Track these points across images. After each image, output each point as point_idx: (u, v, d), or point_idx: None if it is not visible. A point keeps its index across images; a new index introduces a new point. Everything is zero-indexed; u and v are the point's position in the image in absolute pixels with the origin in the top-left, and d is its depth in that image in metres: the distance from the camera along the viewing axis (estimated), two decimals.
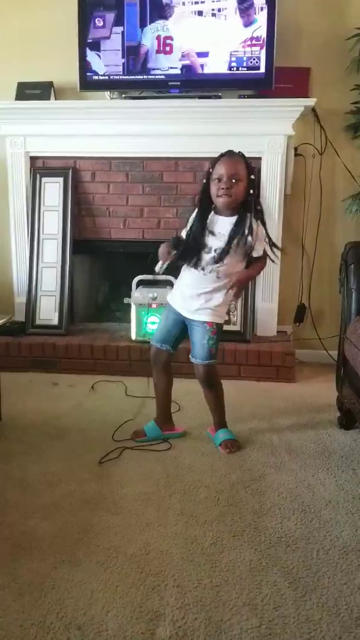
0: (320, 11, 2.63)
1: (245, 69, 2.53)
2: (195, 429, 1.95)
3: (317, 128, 2.70)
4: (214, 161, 1.68)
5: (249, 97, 2.59)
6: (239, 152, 1.71)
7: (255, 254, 1.70)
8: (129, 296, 2.66)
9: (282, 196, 2.65)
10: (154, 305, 2.62)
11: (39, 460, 1.70)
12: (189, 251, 1.71)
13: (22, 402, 2.21)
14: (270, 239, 1.71)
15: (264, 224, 1.69)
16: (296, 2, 2.62)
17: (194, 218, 1.74)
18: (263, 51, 2.48)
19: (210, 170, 1.67)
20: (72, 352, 2.62)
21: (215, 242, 1.69)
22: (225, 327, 2.65)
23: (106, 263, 3.19)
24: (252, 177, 1.66)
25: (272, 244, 1.72)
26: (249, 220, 1.66)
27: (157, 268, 1.74)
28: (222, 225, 1.69)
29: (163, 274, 1.81)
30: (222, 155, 1.68)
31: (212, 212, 1.72)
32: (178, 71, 2.57)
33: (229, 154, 1.68)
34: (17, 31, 2.82)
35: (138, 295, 2.64)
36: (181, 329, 1.81)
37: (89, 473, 1.62)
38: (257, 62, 2.51)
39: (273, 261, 1.76)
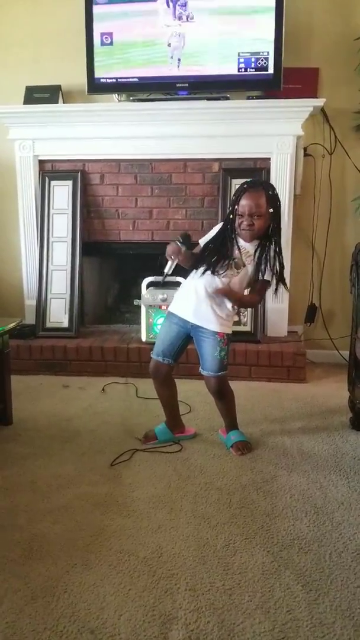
0: (328, 11, 2.63)
1: (254, 69, 2.52)
2: (207, 431, 1.95)
3: (327, 128, 2.69)
4: (238, 192, 1.66)
5: (257, 98, 2.58)
6: (264, 182, 1.72)
7: (261, 276, 1.68)
8: (139, 298, 2.67)
9: (292, 196, 2.64)
10: (163, 307, 2.62)
11: (49, 463, 1.71)
12: (213, 256, 1.69)
13: (33, 405, 2.23)
14: (282, 271, 1.70)
15: (279, 255, 1.69)
16: (304, 3, 2.61)
17: (221, 232, 1.72)
18: (271, 52, 2.47)
19: (236, 205, 1.65)
20: (82, 354, 2.63)
21: (239, 254, 1.68)
22: (236, 328, 2.65)
23: (116, 265, 3.20)
24: (271, 210, 1.63)
25: (282, 278, 1.71)
26: (267, 249, 1.67)
27: (167, 269, 1.73)
28: (245, 245, 1.70)
29: (171, 274, 1.79)
30: (245, 187, 1.65)
31: (234, 236, 1.71)
32: (186, 73, 2.57)
33: (253, 186, 1.65)
34: (25, 35, 2.85)
35: (148, 296, 2.65)
36: (184, 340, 1.78)
37: (100, 476, 1.63)
38: (265, 63, 2.50)
39: (275, 292, 1.74)
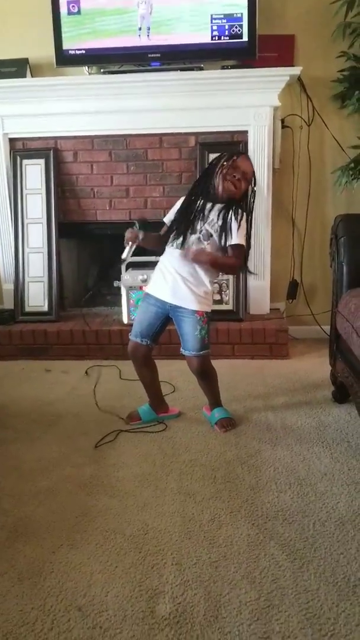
0: None
1: (228, 37, 2.45)
2: (191, 409, 1.95)
3: (304, 98, 2.64)
4: (228, 157, 1.67)
5: (233, 67, 2.51)
6: None
7: (230, 242, 1.65)
8: (119, 279, 2.63)
9: (271, 170, 2.60)
10: (144, 288, 2.58)
11: (33, 447, 1.69)
12: (176, 231, 1.68)
13: (15, 390, 2.20)
14: (248, 241, 1.70)
15: (249, 223, 1.69)
16: None
17: (182, 203, 1.73)
18: (245, 16, 2.40)
19: (224, 163, 1.65)
20: (64, 338, 2.60)
21: (203, 225, 1.67)
22: (218, 307, 2.67)
23: (94, 246, 3.14)
24: (251, 186, 1.71)
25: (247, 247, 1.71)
26: (236, 208, 1.66)
27: (125, 254, 1.73)
28: (212, 211, 1.67)
29: (132, 256, 1.79)
30: (241, 152, 1.73)
31: (202, 200, 1.69)
32: (158, 42, 2.48)
33: (247, 155, 1.76)
34: None
35: (128, 277, 2.61)
36: (162, 321, 1.76)
37: (84, 457, 1.62)
38: (239, 30, 2.43)
39: (245, 266, 1.73)
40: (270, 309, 2.76)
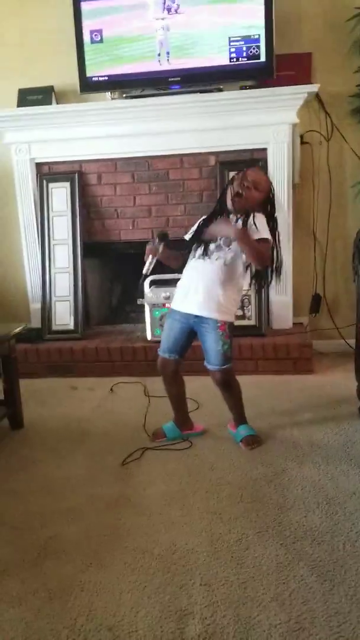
0: None
1: (246, 58, 2.50)
2: (215, 426, 1.95)
3: (322, 114, 2.66)
4: (247, 168, 1.71)
5: (251, 87, 2.56)
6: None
7: (256, 236, 1.63)
8: (142, 297, 2.67)
9: (291, 186, 2.62)
10: (167, 305, 2.62)
11: (62, 465, 1.72)
12: (197, 242, 1.72)
13: (42, 408, 2.25)
14: (277, 239, 1.70)
15: (273, 224, 1.70)
16: None
17: (208, 216, 1.77)
18: (262, 38, 2.45)
19: (236, 176, 1.69)
20: (89, 355, 2.64)
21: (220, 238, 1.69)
22: (241, 322, 2.67)
23: (118, 265, 3.20)
24: (269, 203, 1.69)
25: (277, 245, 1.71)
26: (253, 216, 1.66)
27: (145, 269, 1.74)
28: (232, 220, 1.70)
29: (151, 274, 1.79)
30: (252, 166, 1.74)
31: (221, 214, 1.73)
32: (177, 67, 2.55)
33: (259, 168, 1.78)
34: (15, 38, 2.84)
35: (151, 295, 2.65)
36: (188, 336, 1.79)
37: (111, 475, 1.64)
38: (257, 51, 2.48)
39: (271, 264, 1.71)
40: (293, 324, 2.75)
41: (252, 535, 1.31)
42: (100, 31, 2.59)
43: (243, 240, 1.60)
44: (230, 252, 1.68)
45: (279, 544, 1.27)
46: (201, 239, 1.72)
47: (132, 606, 1.10)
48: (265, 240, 1.65)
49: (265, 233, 1.65)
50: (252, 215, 1.66)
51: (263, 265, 1.68)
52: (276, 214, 1.72)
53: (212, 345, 1.72)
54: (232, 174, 2.57)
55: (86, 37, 2.60)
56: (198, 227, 1.77)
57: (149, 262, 1.74)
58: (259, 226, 1.64)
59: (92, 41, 2.61)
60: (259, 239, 1.63)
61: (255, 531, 1.32)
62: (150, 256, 1.73)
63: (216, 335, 1.71)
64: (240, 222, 1.67)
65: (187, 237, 1.81)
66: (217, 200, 1.80)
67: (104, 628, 1.05)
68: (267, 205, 1.70)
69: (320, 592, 1.11)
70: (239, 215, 1.68)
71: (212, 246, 1.69)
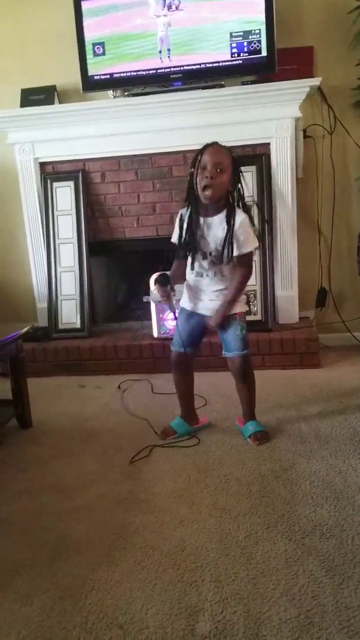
0: None
1: (247, 54, 2.48)
2: (223, 422, 1.96)
3: (325, 107, 2.64)
4: (199, 151, 1.64)
5: (253, 82, 2.54)
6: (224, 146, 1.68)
7: (236, 252, 1.64)
8: (148, 294, 2.67)
9: (294, 180, 2.61)
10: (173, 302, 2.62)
11: (71, 464, 1.74)
12: (191, 252, 1.71)
13: (51, 406, 2.26)
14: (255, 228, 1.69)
15: (250, 219, 1.68)
16: None
17: (186, 223, 1.70)
18: (263, 32, 2.43)
19: (197, 163, 1.63)
20: (96, 353, 2.66)
21: (209, 246, 1.69)
22: (247, 317, 2.65)
23: (123, 262, 3.20)
24: (234, 172, 1.62)
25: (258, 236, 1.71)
26: (235, 214, 1.64)
27: (156, 301, 1.77)
28: (214, 228, 1.68)
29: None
30: (207, 145, 1.64)
31: (202, 218, 1.69)
32: (179, 63, 2.54)
33: (215, 144, 1.64)
34: (16, 38, 2.84)
35: (156, 292, 2.64)
36: (201, 329, 1.81)
37: (120, 473, 1.65)
38: (258, 46, 2.46)
39: (256, 248, 1.71)
40: (299, 318, 2.74)
41: (261, 531, 1.31)
42: (102, 44, 2.58)
43: (237, 298, 1.71)
44: (224, 266, 1.69)
45: (288, 539, 1.27)
46: (189, 252, 1.70)
47: (142, 604, 1.11)
48: (243, 255, 1.66)
49: (245, 247, 1.65)
50: (231, 220, 1.62)
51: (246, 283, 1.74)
52: (241, 176, 1.66)
53: (231, 331, 1.74)
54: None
55: (88, 36, 2.59)
56: (184, 238, 1.71)
57: (168, 304, 1.79)
58: (240, 237, 1.64)
59: (95, 54, 2.60)
60: (237, 256, 1.65)
61: (264, 527, 1.33)
62: (166, 299, 1.77)
63: (234, 322, 1.73)
64: (217, 227, 1.65)
65: (174, 239, 1.78)
66: (187, 192, 1.70)
67: (115, 626, 1.06)
68: (235, 177, 1.64)
69: (329, 586, 1.11)
70: (215, 220, 1.66)
71: (204, 264, 1.70)
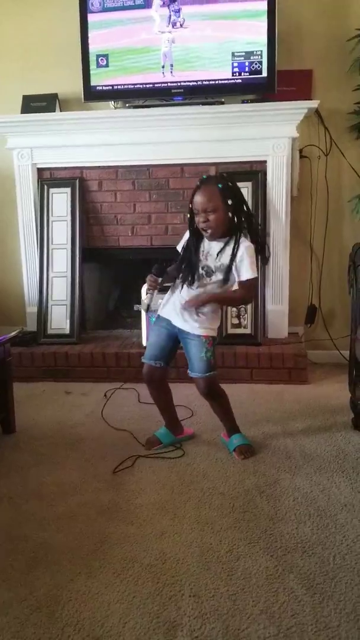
0: (320, 13, 2.64)
1: (248, 73, 2.53)
2: (208, 433, 1.95)
3: (322, 129, 2.69)
4: (193, 192, 1.66)
5: (252, 101, 2.59)
6: (217, 175, 1.68)
7: (239, 278, 1.66)
8: (139, 303, 2.68)
9: (289, 198, 2.65)
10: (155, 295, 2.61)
11: (53, 471, 1.72)
12: (184, 270, 1.72)
13: (36, 412, 2.24)
14: (262, 246, 1.70)
15: (256, 242, 1.68)
16: (296, 5, 2.62)
17: (188, 239, 1.74)
18: (265, 54, 2.48)
19: (190, 205, 1.66)
20: (84, 360, 2.64)
21: (206, 261, 1.70)
22: (236, 331, 2.69)
23: (116, 270, 3.21)
24: (229, 202, 1.62)
25: (262, 248, 1.70)
26: (234, 244, 1.65)
27: (147, 301, 1.76)
28: (211, 247, 1.70)
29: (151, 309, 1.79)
30: (198, 184, 1.65)
31: (199, 239, 1.71)
32: (181, 79, 2.58)
33: (204, 183, 1.64)
34: (20, 45, 2.87)
35: (147, 301, 2.64)
36: (174, 343, 1.79)
37: (103, 482, 1.63)
38: (259, 66, 2.51)
39: (266, 258, 1.74)
40: (288, 333, 2.76)
41: (242, 546, 1.31)
42: (106, 56, 2.62)
43: (218, 302, 1.70)
44: (209, 284, 1.70)
45: (270, 556, 1.27)
46: (185, 272, 1.71)
47: (120, 617, 1.09)
48: (248, 281, 1.66)
49: (245, 274, 1.65)
50: (235, 246, 1.64)
51: (239, 305, 1.71)
52: (244, 205, 1.67)
53: (195, 352, 1.72)
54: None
55: (92, 48, 2.63)
56: (183, 255, 1.73)
57: (150, 295, 1.76)
58: (241, 266, 1.64)
59: (98, 65, 2.63)
60: (241, 281, 1.66)
61: (246, 542, 1.32)
62: (151, 290, 1.75)
63: (199, 343, 1.71)
64: (216, 249, 1.67)
65: (179, 247, 1.80)
66: (189, 226, 1.72)
67: (91, 639, 1.04)
68: (237, 206, 1.65)
69: (309, 605, 1.11)
70: (215, 244, 1.67)
71: (196, 276, 1.70)
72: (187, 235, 1.76)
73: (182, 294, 1.72)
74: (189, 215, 1.68)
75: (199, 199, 1.62)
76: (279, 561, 1.25)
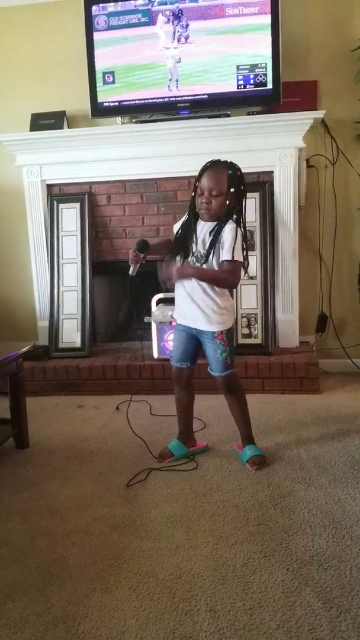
0: (325, 24, 2.66)
1: (253, 86, 2.56)
2: (221, 445, 1.95)
3: (328, 139, 2.70)
4: (200, 172, 1.67)
5: (258, 113, 2.61)
6: (227, 161, 1.68)
7: (221, 258, 1.65)
8: (149, 315, 2.69)
9: (297, 208, 2.65)
10: (174, 323, 2.63)
11: (67, 485, 1.72)
12: (177, 251, 1.73)
13: (48, 426, 2.25)
14: (244, 248, 1.68)
15: (243, 233, 1.68)
16: (301, 16, 2.65)
17: (183, 223, 1.76)
18: (269, 67, 2.51)
19: (196, 184, 1.67)
20: (95, 373, 2.66)
21: (196, 247, 1.71)
22: (247, 340, 2.68)
23: (126, 283, 3.22)
24: (232, 190, 1.62)
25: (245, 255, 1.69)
26: (222, 226, 1.66)
27: (131, 271, 1.78)
28: (203, 232, 1.71)
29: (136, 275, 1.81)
30: (207, 165, 1.66)
31: (194, 221, 1.73)
32: (186, 93, 2.62)
33: (214, 165, 1.65)
34: (28, 64, 2.93)
35: (158, 313, 2.67)
36: (195, 342, 1.82)
37: (117, 497, 1.63)
38: (264, 79, 2.54)
39: (245, 268, 1.70)
40: (299, 342, 2.75)
41: (258, 560, 1.29)
42: (112, 73, 2.67)
43: (203, 278, 1.66)
44: (204, 266, 1.68)
45: (285, 569, 1.25)
46: (178, 253, 1.72)
47: (137, 632, 1.09)
48: (229, 262, 1.64)
49: (230, 252, 1.63)
50: (222, 228, 1.64)
51: (226, 287, 1.71)
52: (245, 196, 1.67)
53: (212, 353, 1.76)
54: None
55: (98, 66, 2.68)
56: (177, 238, 1.76)
57: (133, 267, 1.77)
58: (227, 244, 1.64)
59: (105, 82, 2.68)
60: (224, 260, 1.65)
61: (262, 555, 1.31)
62: (134, 262, 1.76)
63: (214, 345, 1.74)
64: (207, 233, 1.67)
65: (175, 229, 1.80)
66: (189, 207, 1.74)
67: None
68: (237, 194, 1.65)
69: (326, 619, 1.09)
70: (208, 225, 1.68)
71: (188, 260, 1.71)
72: (184, 217, 1.77)
73: (184, 287, 1.74)
74: (192, 194, 1.69)
75: (206, 180, 1.63)
76: (295, 574, 1.23)
